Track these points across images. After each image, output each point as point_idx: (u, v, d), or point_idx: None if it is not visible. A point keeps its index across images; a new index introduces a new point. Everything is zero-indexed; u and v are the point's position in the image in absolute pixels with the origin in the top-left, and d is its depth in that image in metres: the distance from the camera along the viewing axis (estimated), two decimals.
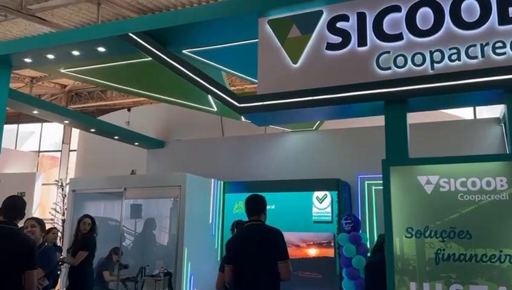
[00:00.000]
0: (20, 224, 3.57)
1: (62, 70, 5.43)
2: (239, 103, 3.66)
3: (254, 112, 3.59)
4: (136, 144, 8.72)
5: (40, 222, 4.06)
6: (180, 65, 3.93)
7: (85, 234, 5.61)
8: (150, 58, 4.89)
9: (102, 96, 14.74)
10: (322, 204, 7.02)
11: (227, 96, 3.71)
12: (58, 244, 7.02)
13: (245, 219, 6.98)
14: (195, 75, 3.86)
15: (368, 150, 7.68)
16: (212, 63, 4.83)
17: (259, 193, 7.48)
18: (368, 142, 7.71)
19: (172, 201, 8.19)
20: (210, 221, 7.28)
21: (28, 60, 4.90)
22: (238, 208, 7.55)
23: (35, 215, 11.87)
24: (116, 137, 8.22)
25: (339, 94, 3.31)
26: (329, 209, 6.97)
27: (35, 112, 6.41)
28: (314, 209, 7.09)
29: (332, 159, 7.76)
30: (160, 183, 6.84)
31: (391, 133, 3.24)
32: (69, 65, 5.28)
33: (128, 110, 9.87)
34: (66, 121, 7.15)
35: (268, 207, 7.26)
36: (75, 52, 4.61)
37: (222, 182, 7.71)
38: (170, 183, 6.78)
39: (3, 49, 4.80)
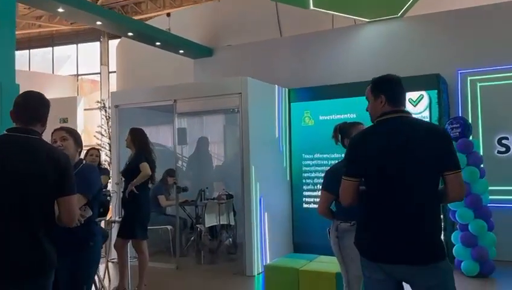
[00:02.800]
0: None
1: None
2: None
3: None
4: (181, 51, 7.47)
5: (72, 133, 2.93)
6: None
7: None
8: None
9: (137, 9, 13.35)
10: (417, 107, 5.64)
11: None
12: (104, 167, 6.13)
13: (322, 131, 5.78)
14: None
15: (470, 38, 6.05)
16: None
17: (335, 100, 6.20)
18: (470, 29, 6.08)
19: (225, 118, 7.08)
20: (277, 135, 6.13)
21: None
22: (307, 119, 6.33)
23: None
24: (157, 43, 6.99)
25: None
26: (426, 113, 5.60)
27: (60, 9, 5.21)
28: None
29: (424, 52, 6.24)
30: (216, 91, 5.63)
31: None
32: None
33: (168, 15, 8.51)
34: (99, 22, 5.93)
35: (348, 116, 6.11)
36: None
37: (287, 90, 6.43)
38: (228, 91, 5.57)
39: None
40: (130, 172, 4.67)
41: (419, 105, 5.62)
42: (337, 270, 3.42)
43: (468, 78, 5.97)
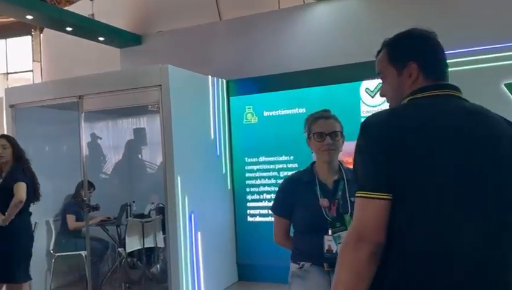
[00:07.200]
0: None
1: None
2: None
3: None
4: (102, 39, 6.28)
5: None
6: None
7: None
8: None
9: None
10: (376, 99, 4.70)
11: None
12: None
13: (268, 130, 4.76)
14: None
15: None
16: None
17: (281, 92, 5.19)
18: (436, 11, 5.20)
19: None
20: (212, 136, 5.06)
21: None
22: (249, 115, 5.30)
23: None
24: (68, 29, 5.77)
25: None
26: (387, 106, 4.65)
27: None
28: (364, 108, 4.81)
29: (383, 36, 5.29)
30: (129, 84, 4.49)
31: None
32: None
33: None
34: (29, 16, 4.85)
35: (296, 111, 5.09)
36: None
37: (224, 81, 5.38)
38: (145, 84, 4.45)
39: None
40: (4, 192, 3.55)
41: (378, 96, 4.67)
42: None
43: None
